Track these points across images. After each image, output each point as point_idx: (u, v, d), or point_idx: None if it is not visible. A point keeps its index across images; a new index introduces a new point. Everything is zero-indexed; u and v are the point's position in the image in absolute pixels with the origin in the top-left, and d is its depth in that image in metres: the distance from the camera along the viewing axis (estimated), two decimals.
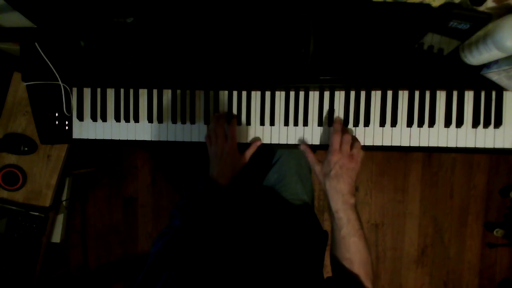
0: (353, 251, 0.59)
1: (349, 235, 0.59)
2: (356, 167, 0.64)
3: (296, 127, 0.75)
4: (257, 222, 0.72)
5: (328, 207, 0.64)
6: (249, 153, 0.73)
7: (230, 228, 0.67)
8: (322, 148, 0.74)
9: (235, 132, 0.72)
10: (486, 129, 0.70)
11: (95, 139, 0.80)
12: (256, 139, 0.75)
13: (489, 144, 0.71)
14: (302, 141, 0.75)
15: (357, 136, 0.73)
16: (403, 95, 0.72)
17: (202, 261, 0.48)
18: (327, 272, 0.63)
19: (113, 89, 0.79)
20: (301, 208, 0.83)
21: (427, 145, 0.72)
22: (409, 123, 0.72)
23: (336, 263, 0.62)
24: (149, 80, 0.76)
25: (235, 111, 0.76)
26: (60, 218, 1.40)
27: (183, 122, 0.77)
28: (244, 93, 0.75)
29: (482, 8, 0.53)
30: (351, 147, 0.64)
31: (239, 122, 0.76)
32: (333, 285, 0.61)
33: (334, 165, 0.63)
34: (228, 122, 0.73)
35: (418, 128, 0.72)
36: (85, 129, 0.80)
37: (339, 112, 0.74)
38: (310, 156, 0.70)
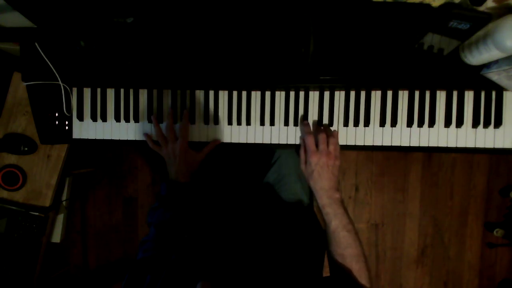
0: (344, 246, 0.60)
1: (338, 229, 0.60)
2: (337, 163, 0.66)
3: (296, 127, 0.75)
4: (256, 222, 0.72)
5: (317, 206, 0.66)
6: (206, 149, 0.75)
7: (228, 228, 0.67)
8: None
9: (186, 132, 0.73)
10: (486, 129, 0.70)
11: (95, 139, 0.80)
12: (216, 138, 0.76)
13: (489, 144, 0.71)
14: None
15: (357, 136, 0.73)
16: (403, 95, 0.72)
17: (195, 261, 0.49)
18: (327, 272, 0.63)
19: (113, 89, 0.79)
20: (300, 207, 0.83)
21: (427, 145, 0.72)
22: (409, 123, 0.72)
23: (331, 259, 0.63)
24: (149, 80, 0.76)
25: (235, 111, 0.76)
26: (60, 218, 1.40)
27: None
28: (244, 93, 0.75)
29: (482, 8, 0.53)
30: (328, 144, 0.66)
31: (239, 122, 0.76)
32: (328, 285, 0.61)
33: (315, 166, 0.65)
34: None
35: (418, 128, 0.72)
36: (85, 129, 0.80)
37: (339, 112, 0.74)
38: (302, 154, 0.70)
